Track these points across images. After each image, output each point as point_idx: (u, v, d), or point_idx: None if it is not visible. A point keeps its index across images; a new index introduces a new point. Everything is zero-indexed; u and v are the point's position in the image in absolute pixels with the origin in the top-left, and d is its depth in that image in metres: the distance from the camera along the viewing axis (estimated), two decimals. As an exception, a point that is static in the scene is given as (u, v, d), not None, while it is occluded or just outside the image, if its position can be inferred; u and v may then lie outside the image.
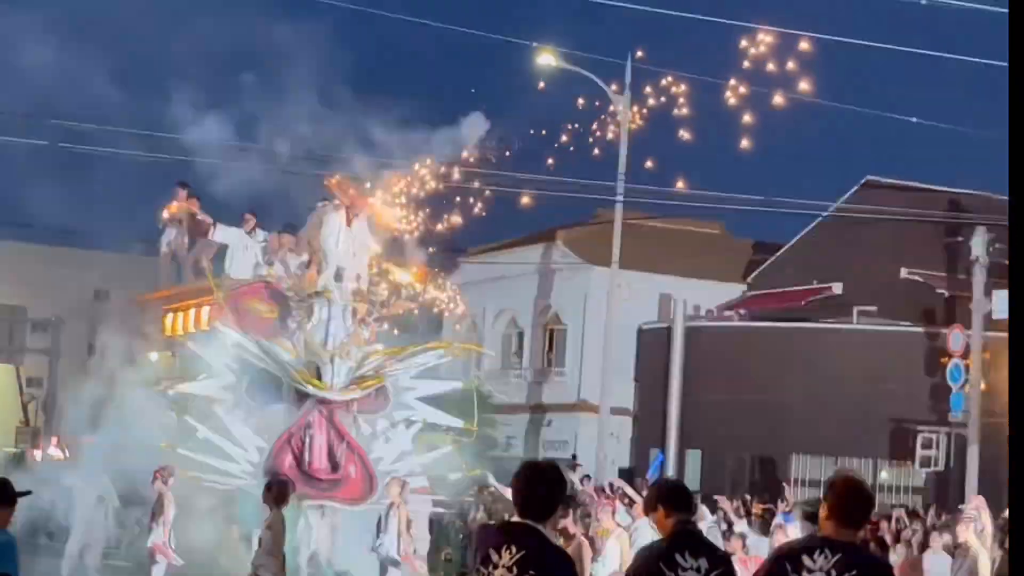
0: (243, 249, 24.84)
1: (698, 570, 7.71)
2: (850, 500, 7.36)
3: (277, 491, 17.38)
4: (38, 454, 38.82)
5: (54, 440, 41.02)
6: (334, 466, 21.62)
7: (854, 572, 7.11)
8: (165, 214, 25.60)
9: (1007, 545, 18.04)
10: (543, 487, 7.37)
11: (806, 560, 7.18)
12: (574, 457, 46.08)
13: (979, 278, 34.89)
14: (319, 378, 21.74)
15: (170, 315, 25.19)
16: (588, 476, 37.90)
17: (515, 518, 7.32)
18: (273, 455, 21.26)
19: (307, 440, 21.78)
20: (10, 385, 45.52)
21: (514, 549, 7.19)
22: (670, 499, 7.99)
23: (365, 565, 21.15)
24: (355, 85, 23.85)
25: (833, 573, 7.11)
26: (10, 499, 8.68)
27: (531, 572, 7.09)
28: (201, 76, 24.37)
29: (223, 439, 21.54)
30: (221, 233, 25.22)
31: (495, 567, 7.21)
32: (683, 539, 7.83)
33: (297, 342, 22.08)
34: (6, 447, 45.58)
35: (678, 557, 7.71)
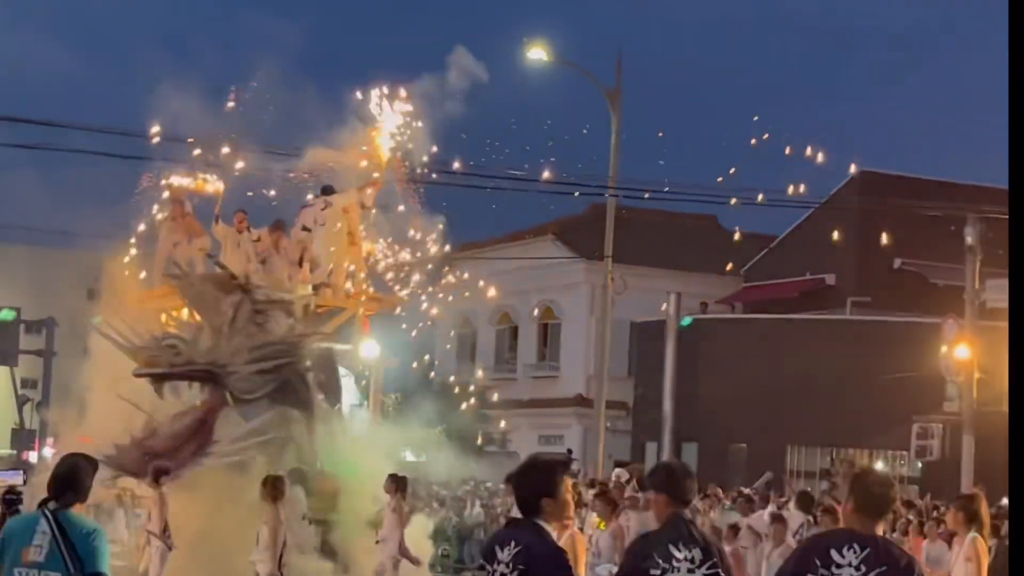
0: (235, 247, 24.81)
1: (691, 561, 7.74)
2: (876, 493, 7.38)
3: (273, 488, 17.48)
4: (33, 456, 38.77)
5: (49, 442, 40.99)
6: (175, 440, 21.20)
7: (884, 568, 7.12)
8: (161, 213, 25.59)
9: (1003, 533, 18.04)
10: (529, 483, 7.48)
11: (835, 555, 7.16)
12: (569, 452, 46.12)
13: (972, 268, 34.88)
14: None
15: (163, 315, 25.15)
16: (579, 470, 37.98)
17: (516, 514, 7.49)
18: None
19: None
20: (4, 387, 45.42)
21: (512, 544, 7.25)
22: (672, 490, 7.99)
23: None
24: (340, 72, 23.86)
25: (863, 568, 7.10)
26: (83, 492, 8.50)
27: (520, 567, 7.16)
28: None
29: None
30: (218, 232, 25.21)
31: (498, 563, 7.30)
32: (677, 530, 7.83)
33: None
34: (1, 449, 45.52)
35: (672, 548, 7.73)
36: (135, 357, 21.01)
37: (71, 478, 8.40)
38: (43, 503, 8.37)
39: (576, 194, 32.49)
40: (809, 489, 35.15)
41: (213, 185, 25.06)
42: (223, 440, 21.02)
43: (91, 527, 8.37)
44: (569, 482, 7.53)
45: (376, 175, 24.28)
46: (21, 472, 9.72)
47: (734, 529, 22.36)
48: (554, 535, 7.52)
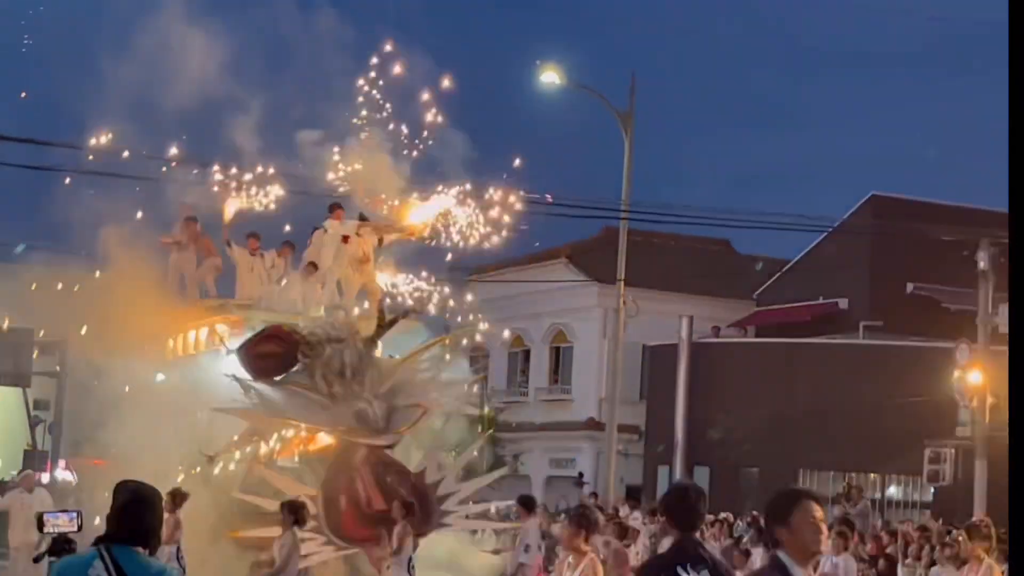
0: (248, 270, 24.86)
1: (700, 582, 7.76)
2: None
3: (291, 512, 17.61)
4: (45, 477, 38.81)
5: (62, 463, 41.04)
6: (389, 499, 21.27)
7: None
8: (165, 240, 25.60)
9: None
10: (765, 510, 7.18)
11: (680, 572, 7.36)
12: (580, 476, 46.12)
13: (985, 292, 34.87)
14: (361, 419, 21.52)
15: (170, 341, 25.19)
16: (595, 494, 37.90)
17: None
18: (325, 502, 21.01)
19: (359, 478, 21.58)
20: (17, 408, 45.49)
21: None
22: (674, 516, 8.02)
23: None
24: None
25: None
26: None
27: None
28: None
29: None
30: (233, 256, 25.23)
31: None
32: (686, 552, 7.86)
33: (318, 381, 21.79)
34: (13, 471, 45.58)
35: (680, 570, 7.75)
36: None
37: (133, 511, 7.12)
38: (99, 540, 7.12)
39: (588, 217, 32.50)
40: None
41: (260, 203, 24.91)
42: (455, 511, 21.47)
43: (157, 568, 7.23)
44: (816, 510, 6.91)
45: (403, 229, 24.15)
46: (76, 514, 7.72)
47: (745, 554, 22.37)
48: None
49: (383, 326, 22.34)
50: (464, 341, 25.73)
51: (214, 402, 22.14)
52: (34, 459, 44.21)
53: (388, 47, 24.71)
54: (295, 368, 22.13)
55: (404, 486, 21.28)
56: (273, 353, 21.66)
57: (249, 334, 21.82)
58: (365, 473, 21.37)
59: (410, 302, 24.43)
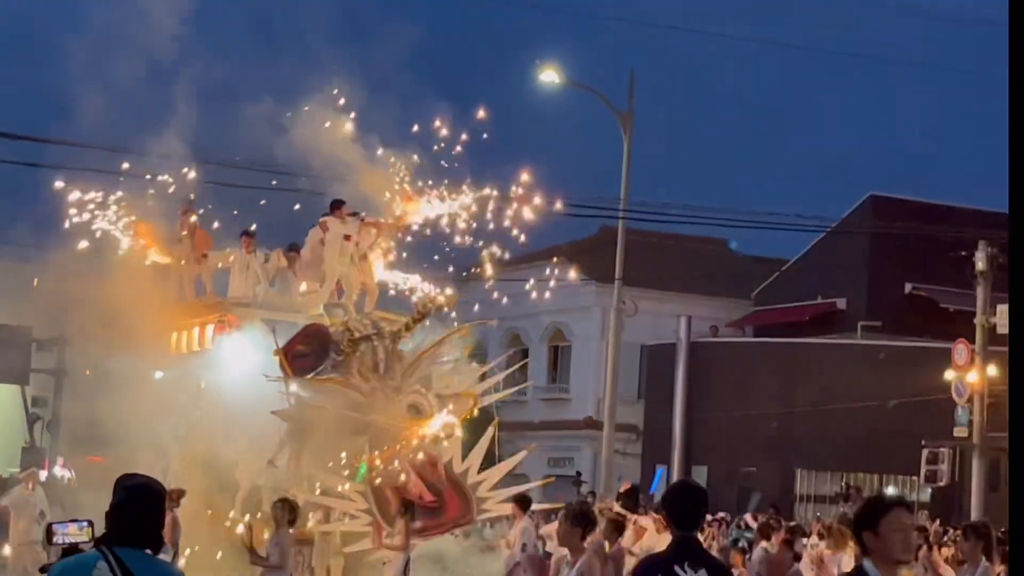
0: (243, 269, 24.82)
1: (698, 581, 7.77)
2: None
3: (289, 511, 17.63)
4: (43, 475, 38.80)
5: (60, 461, 41.03)
6: (436, 491, 21.34)
7: None
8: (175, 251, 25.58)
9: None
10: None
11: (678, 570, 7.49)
12: (578, 474, 46.12)
13: (983, 293, 34.92)
14: (415, 411, 21.52)
15: (174, 334, 25.20)
16: (593, 493, 37.91)
17: None
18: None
19: (407, 474, 21.42)
20: (15, 405, 45.49)
21: None
22: (674, 514, 8.02)
23: None
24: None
25: None
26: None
27: None
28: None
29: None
30: (228, 253, 25.20)
31: None
32: (684, 550, 7.87)
33: (354, 377, 21.79)
34: (11, 468, 45.56)
35: (678, 568, 7.76)
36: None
37: (136, 509, 6.57)
38: (101, 540, 6.59)
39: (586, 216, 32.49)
40: (820, 515, 35.20)
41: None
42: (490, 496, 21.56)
43: (167, 571, 6.74)
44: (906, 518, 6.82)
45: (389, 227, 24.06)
46: (87, 524, 7.01)
47: (742, 552, 22.38)
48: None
49: (416, 320, 22.33)
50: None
51: (218, 400, 22.15)
52: (32, 456, 44.26)
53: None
54: (325, 365, 22.11)
55: (435, 477, 21.30)
56: (304, 353, 21.70)
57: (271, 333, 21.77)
58: (413, 467, 21.38)
59: (415, 299, 24.38)
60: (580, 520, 12.60)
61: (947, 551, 23.55)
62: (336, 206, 23.85)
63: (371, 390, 21.67)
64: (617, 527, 19.89)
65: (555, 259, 27.44)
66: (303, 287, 24.07)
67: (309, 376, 21.80)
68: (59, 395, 43.43)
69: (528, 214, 23.57)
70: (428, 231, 23.58)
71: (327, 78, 23.57)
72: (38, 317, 31.48)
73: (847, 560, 20.88)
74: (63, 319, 26.18)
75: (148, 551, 6.51)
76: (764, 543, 21.70)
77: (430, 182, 23.51)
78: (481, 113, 23.48)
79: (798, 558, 21.00)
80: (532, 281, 28.77)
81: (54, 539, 6.81)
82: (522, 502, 22.23)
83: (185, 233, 25.18)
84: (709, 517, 29.04)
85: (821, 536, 24.79)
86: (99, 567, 6.37)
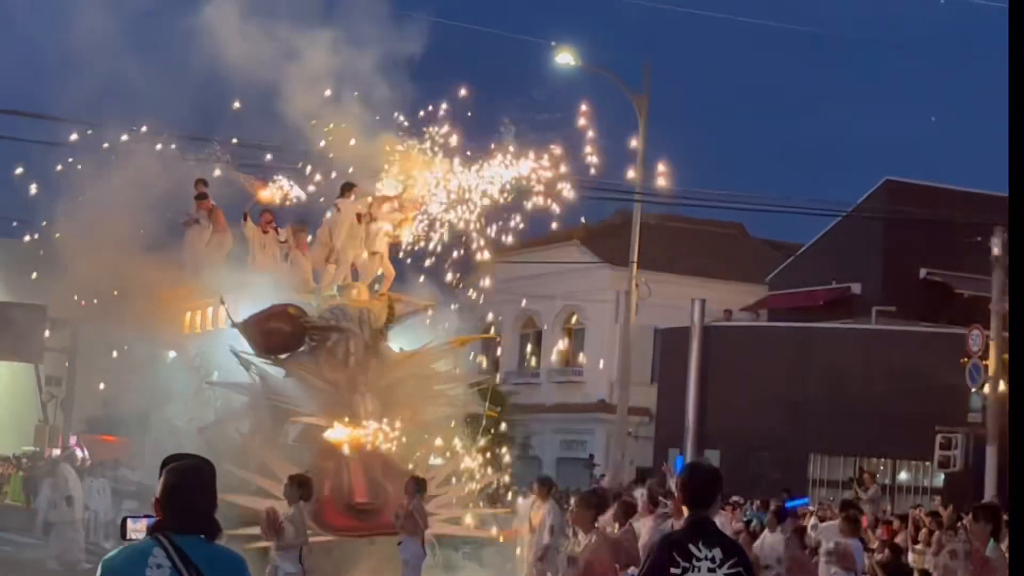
0: (261, 248, 24.82)
1: (712, 560, 7.75)
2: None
3: (300, 485, 17.64)
4: (56, 453, 38.91)
5: (73, 440, 41.15)
6: (375, 494, 21.36)
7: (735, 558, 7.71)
8: (187, 215, 25.55)
9: None
10: None
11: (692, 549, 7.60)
12: (591, 457, 46.15)
13: (998, 278, 34.81)
14: (352, 411, 21.65)
15: (188, 313, 25.22)
16: (602, 475, 37.93)
17: None
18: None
19: (345, 466, 21.53)
20: (29, 384, 45.64)
21: None
22: (689, 493, 8.00)
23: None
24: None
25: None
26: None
27: None
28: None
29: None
30: (247, 231, 25.19)
31: None
32: (698, 529, 7.86)
33: (322, 367, 21.92)
34: (25, 446, 45.71)
35: (692, 547, 7.75)
36: None
37: (185, 495, 6.17)
38: (156, 527, 6.20)
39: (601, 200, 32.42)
40: (831, 499, 35.15)
41: (286, 191, 24.87)
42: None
43: (227, 555, 6.24)
44: None
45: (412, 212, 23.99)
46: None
47: (753, 536, 22.34)
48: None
49: (391, 319, 22.38)
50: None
51: (226, 379, 22.24)
52: (45, 434, 44.39)
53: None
54: (301, 350, 22.23)
55: (391, 483, 21.21)
56: (280, 331, 21.77)
57: (255, 309, 21.93)
58: (355, 464, 21.36)
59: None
60: (592, 503, 12.68)
61: (960, 538, 23.45)
62: (347, 188, 23.84)
63: (333, 383, 21.76)
64: (627, 510, 19.85)
65: (570, 242, 27.01)
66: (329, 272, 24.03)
67: (284, 356, 21.95)
68: (72, 374, 43.54)
69: (567, 193, 23.46)
70: (448, 214, 23.51)
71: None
72: (52, 296, 31.52)
73: (852, 543, 20.85)
74: (75, 298, 26.19)
75: (204, 536, 6.15)
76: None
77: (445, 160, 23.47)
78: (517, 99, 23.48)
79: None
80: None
81: (128, 535, 6.50)
82: (545, 483, 21.97)
83: (204, 213, 25.19)
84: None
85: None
86: (155, 554, 6.03)
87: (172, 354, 24.95)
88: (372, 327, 22.13)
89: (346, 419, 21.50)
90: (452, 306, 24.21)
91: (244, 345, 22.01)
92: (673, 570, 7.71)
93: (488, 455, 23.78)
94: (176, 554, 6.01)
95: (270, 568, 17.20)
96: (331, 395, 21.83)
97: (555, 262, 49.24)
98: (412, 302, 23.17)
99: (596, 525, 13.23)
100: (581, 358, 51.05)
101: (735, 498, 31.22)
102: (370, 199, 23.80)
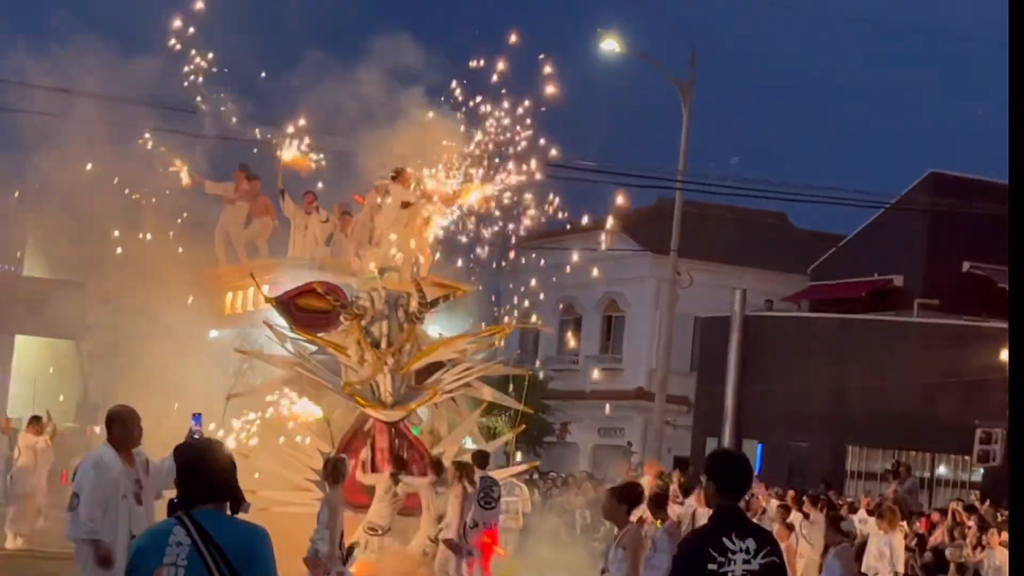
0: (303, 229, 24.86)
1: (747, 551, 7.64)
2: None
3: (333, 468, 17.63)
4: (97, 429, 39.07)
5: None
6: (399, 468, 21.57)
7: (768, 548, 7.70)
8: (211, 188, 25.59)
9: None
10: None
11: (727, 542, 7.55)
12: (629, 445, 46.11)
13: (1042, 273, 34.60)
14: (376, 389, 21.88)
15: (230, 293, 25.32)
16: (638, 463, 37.89)
17: None
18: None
19: (369, 444, 21.92)
20: (71, 360, 45.82)
21: None
22: (719, 481, 7.89)
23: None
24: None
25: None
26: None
27: None
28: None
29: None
30: (286, 210, 25.24)
31: None
32: (729, 520, 7.77)
33: (352, 346, 22.14)
34: (67, 423, 45.89)
35: (725, 540, 7.63)
36: None
37: (194, 470, 6.30)
38: (175, 505, 6.29)
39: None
40: (869, 492, 35.04)
41: (315, 162, 24.90)
42: None
43: (248, 529, 6.28)
44: None
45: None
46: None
47: (788, 528, 22.30)
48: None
49: (424, 303, 22.44)
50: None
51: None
52: (86, 411, 44.56)
53: None
54: (340, 329, 22.40)
55: (417, 464, 21.60)
56: (320, 309, 21.94)
57: (290, 285, 22.15)
58: (380, 441, 21.73)
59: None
60: (624, 496, 12.62)
61: (999, 534, 23.39)
62: (399, 173, 23.84)
63: (361, 362, 21.98)
64: (659, 502, 19.82)
65: (608, 227, 26.94)
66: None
67: (320, 335, 22.17)
68: (114, 352, 43.65)
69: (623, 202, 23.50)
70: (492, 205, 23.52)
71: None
72: (92, 273, 31.65)
73: (898, 539, 20.78)
74: (115, 275, 26.27)
75: (223, 509, 6.26)
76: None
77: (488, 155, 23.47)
78: (551, 88, 23.41)
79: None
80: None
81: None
82: (459, 468, 22.15)
83: (238, 195, 25.24)
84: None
85: (871, 513, 24.71)
86: (175, 532, 6.13)
87: (214, 333, 25.04)
88: (406, 310, 22.22)
89: (370, 399, 21.76)
90: (491, 296, 24.26)
91: (282, 323, 22.19)
92: (710, 566, 7.58)
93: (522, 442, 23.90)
94: (196, 531, 6.10)
95: (311, 548, 17.23)
96: (358, 374, 22.02)
97: (594, 248, 49.15)
98: (449, 286, 23.20)
99: (630, 520, 13.16)
100: (621, 345, 50.99)
101: (773, 489, 31.13)
102: (420, 189, 23.80)
